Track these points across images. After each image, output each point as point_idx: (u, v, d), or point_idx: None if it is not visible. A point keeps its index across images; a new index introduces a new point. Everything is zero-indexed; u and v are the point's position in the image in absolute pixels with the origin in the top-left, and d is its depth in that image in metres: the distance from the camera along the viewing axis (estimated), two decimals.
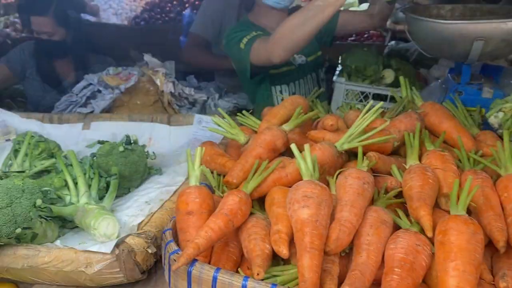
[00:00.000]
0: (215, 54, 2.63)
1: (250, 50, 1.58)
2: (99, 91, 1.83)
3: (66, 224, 1.07)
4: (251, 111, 1.30)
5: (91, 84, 1.84)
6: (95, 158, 1.25)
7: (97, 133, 1.63)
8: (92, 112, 1.75)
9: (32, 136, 1.40)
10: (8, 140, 1.65)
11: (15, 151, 1.40)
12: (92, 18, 4.98)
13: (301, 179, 0.86)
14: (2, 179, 0.98)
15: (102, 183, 1.15)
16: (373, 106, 1.01)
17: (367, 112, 0.98)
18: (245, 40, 1.62)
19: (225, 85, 2.40)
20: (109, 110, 1.81)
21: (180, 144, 1.58)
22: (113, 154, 1.24)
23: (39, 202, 0.91)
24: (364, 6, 3.14)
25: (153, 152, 1.36)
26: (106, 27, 5.08)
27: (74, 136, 1.64)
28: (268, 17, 1.77)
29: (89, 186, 1.11)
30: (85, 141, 1.54)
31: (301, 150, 0.89)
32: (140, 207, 1.12)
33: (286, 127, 1.06)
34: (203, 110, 1.96)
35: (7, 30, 5.28)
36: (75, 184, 1.10)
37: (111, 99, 1.75)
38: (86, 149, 1.54)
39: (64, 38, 2.34)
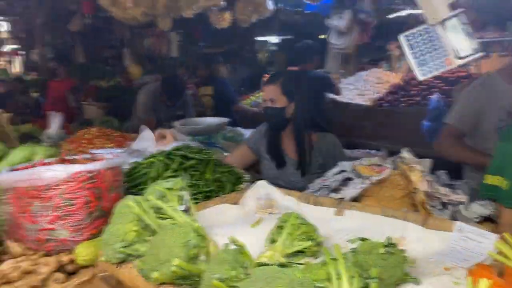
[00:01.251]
0: (472, 148, 2.46)
1: None
2: (350, 178, 1.90)
3: None
4: None
5: (343, 171, 1.93)
6: (353, 253, 1.28)
7: (349, 221, 1.68)
8: (342, 199, 1.82)
9: (296, 217, 1.53)
10: (270, 213, 1.86)
11: (279, 227, 1.54)
12: (336, 97, 5.34)
13: None
14: (284, 266, 1.09)
15: (361, 284, 1.15)
16: None
17: None
18: None
19: (476, 184, 2.19)
20: (356, 199, 1.86)
21: (434, 250, 1.48)
22: (373, 254, 1.24)
23: None
24: None
25: (412, 259, 1.30)
26: (348, 106, 5.35)
27: (326, 220, 1.73)
28: None
29: (351, 284, 1.13)
30: (338, 229, 1.61)
31: None
32: None
33: None
34: (454, 213, 1.81)
35: None
36: (337, 279, 1.13)
37: (361, 189, 1.79)
38: (335, 235, 1.60)
39: (288, 108, 2.47)
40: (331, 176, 1.94)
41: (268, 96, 2.50)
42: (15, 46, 11.97)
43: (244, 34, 7.00)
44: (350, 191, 1.80)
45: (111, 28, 8.84)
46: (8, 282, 1.33)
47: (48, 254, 1.48)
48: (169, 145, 2.34)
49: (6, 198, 1.52)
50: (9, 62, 13.28)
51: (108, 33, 9.15)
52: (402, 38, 1.16)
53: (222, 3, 4.69)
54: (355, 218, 1.69)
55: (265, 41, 9.54)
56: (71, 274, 1.49)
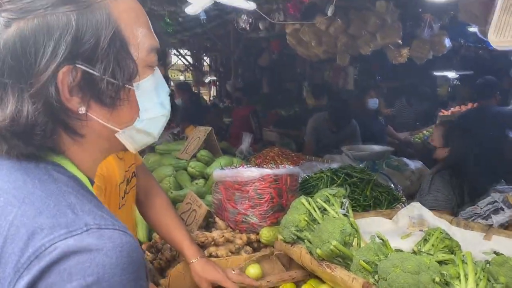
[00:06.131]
0: None
1: None
2: (502, 209, 2.01)
3: None
4: None
5: (496, 201, 2.05)
6: (488, 265, 1.46)
7: (496, 245, 1.81)
8: (491, 225, 1.94)
9: (441, 232, 1.75)
10: (420, 230, 2.08)
11: (425, 240, 1.79)
12: None
13: None
14: (416, 254, 1.37)
15: (487, 286, 1.35)
16: None
17: None
18: None
19: None
20: (507, 228, 1.95)
21: None
22: (504, 267, 1.41)
23: (437, 279, 1.23)
24: None
25: None
26: None
27: (474, 243, 1.89)
28: None
29: (477, 285, 1.35)
30: (485, 251, 1.76)
31: None
32: None
33: None
34: None
35: None
36: (466, 279, 1.36)
37: (510, 217, 1.89)
38: (481, 255, 1.76)
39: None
40: (483, 206, 2.07)
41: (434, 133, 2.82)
42: (214, 78, 14.09)
43: (422, 68, 7.03)
44: (499, 218, 1.92)
45: (294, 63, 9.81)
46: (216, 245, 1.90)
47: (241, 232, 2.02)
48: None
49: (217, 188, 2.12)
50: (209, 91, 15.61)
51: (291, 67, 10.18)
52: None
53: (399, 41, 4.95)
54: (502, 243, 1.81)
55: (445, 76, 9.29)
56: (255, 250, 2.00)
